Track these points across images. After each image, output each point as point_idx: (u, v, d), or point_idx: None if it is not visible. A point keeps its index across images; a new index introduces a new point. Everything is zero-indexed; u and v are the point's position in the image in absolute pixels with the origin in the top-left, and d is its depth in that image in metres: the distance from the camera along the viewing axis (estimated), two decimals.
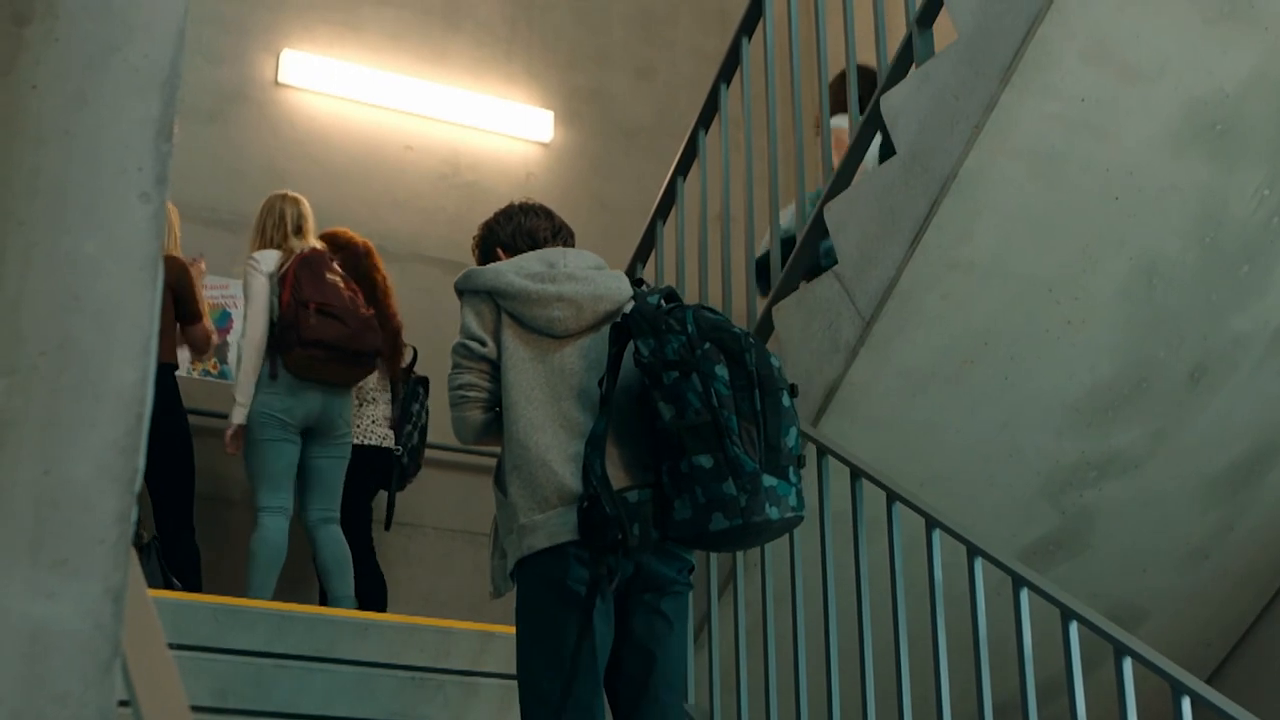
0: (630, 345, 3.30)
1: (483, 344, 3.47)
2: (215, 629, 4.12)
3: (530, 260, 3.57)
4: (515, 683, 3.44)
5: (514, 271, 3.51)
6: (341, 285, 5.64)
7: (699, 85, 5.56)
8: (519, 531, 3.26)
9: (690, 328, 3.26)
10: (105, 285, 1.74)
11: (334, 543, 5.48)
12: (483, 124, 7.53)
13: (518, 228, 3.73)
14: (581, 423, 3.29)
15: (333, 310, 5.48)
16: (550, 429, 3.30)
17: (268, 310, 5.49)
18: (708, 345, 3.22)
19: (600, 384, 3.31)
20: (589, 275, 3.52)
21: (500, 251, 3.71)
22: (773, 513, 3.14)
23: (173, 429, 5.50)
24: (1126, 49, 3.89)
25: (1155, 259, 4.25)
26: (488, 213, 3.81)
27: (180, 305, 5.72)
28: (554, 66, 7.90)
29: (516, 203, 3.82)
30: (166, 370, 5.51)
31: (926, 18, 4.35)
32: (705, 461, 3.12)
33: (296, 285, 5.29)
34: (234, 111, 7.08)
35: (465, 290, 3.57)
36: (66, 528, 1.65)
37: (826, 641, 3.82)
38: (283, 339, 5.44)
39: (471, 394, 3.44)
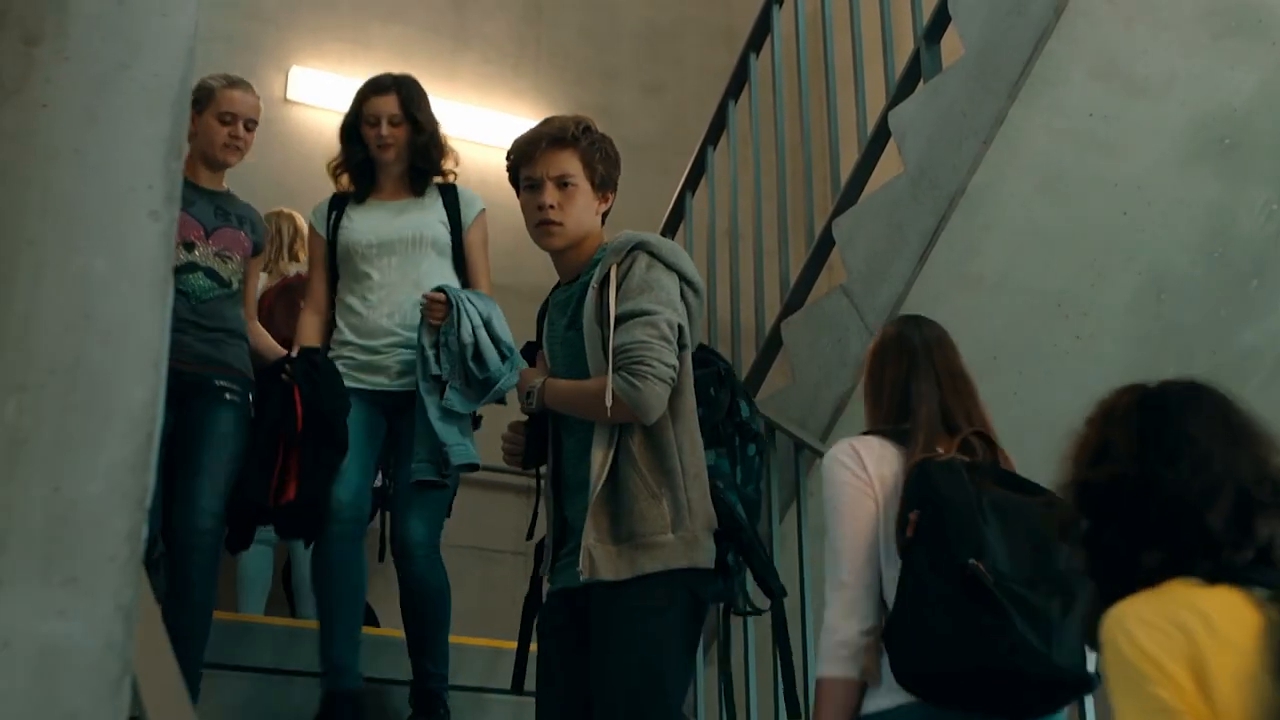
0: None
1: (683, 334, 3.13)
2: (225, 645, 4.11)
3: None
4: (526, 700, 3.41)
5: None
6: None
7: (707, 102, 5.56)
8: (690, 542, 3.05)
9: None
10: (115, 303, 1.75)
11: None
12: (491, 140, 7.51)
13: None
14: None
15: None
16: None
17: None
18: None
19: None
20: None
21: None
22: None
23: None
24: (1134, 64, 3.89)
25: (1164, 274, 4.24)
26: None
27: None
28: (562, 83, 7.91)
29: None
30: None
31: (934, 33, 4.35)
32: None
33: (271, 318, 5.14)
34: None
35: (674, 267, 3.17)
36: (77, 545, 1.65)
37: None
38: None
39: (670, 378, 3.04)
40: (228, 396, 3.96)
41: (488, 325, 4.03)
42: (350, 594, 4.01)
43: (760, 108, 5.13)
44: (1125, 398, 2.09)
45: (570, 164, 3.22)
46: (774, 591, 3.28)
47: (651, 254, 3.13)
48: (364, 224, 4.26)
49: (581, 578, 2.98)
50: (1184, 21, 3.87)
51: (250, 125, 4.17)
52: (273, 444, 3.92)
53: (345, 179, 4.37)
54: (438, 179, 4.35)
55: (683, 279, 3.16)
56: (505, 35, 7.87)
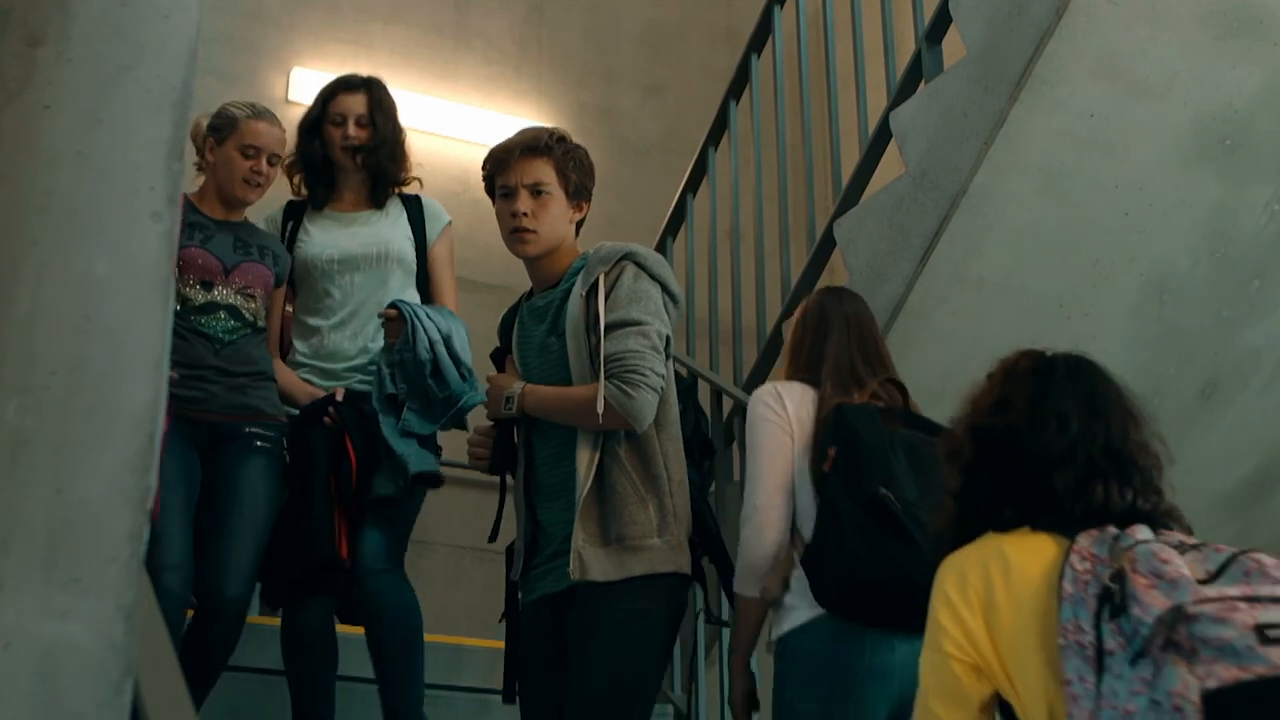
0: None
1: (669, 344, 3.17)
2: None
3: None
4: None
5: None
6: None
7: (708, 103, 5.57)
8: (675, 548, 3.08)
9: None
10: (117, 305, 1.75)
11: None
12: (493, 141, 7.52)
13: None
14: None
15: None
16: None
17: None
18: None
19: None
20: None
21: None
22: None
23: None
24: (1135, 65, 3.89)
25: (1166, 274, 4.24)
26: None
27: None
28: (564, 84, 7.91)
29: None
30: None
31: (936, 34, 4.36)
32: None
33: None
34: None
35: (658, 279, 3.19)
36: (79, 546, 1.65)
37: None
38: None
39: (660, 387, 3.08)
40: (259, 444, 3.72)
41: (447, 342, 3.79)
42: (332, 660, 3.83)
43: (762, 108, 5.14)
44: (1024, 361, 2.35)
45: (544, 172, 3.25)
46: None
47: (639, 265, 3.16)
48: (324, 238, 4.01)
49: (573, 577, 2.98)
50: (1185, 22, 3.87)
51: (274, 160, 3.93)
52: (328, 495, 3.69)
53: (299, 179, 4.12)
54: (400, 189, 4.13)
55: (665, 291, 3.18)
56: (507, 36, 7.88)
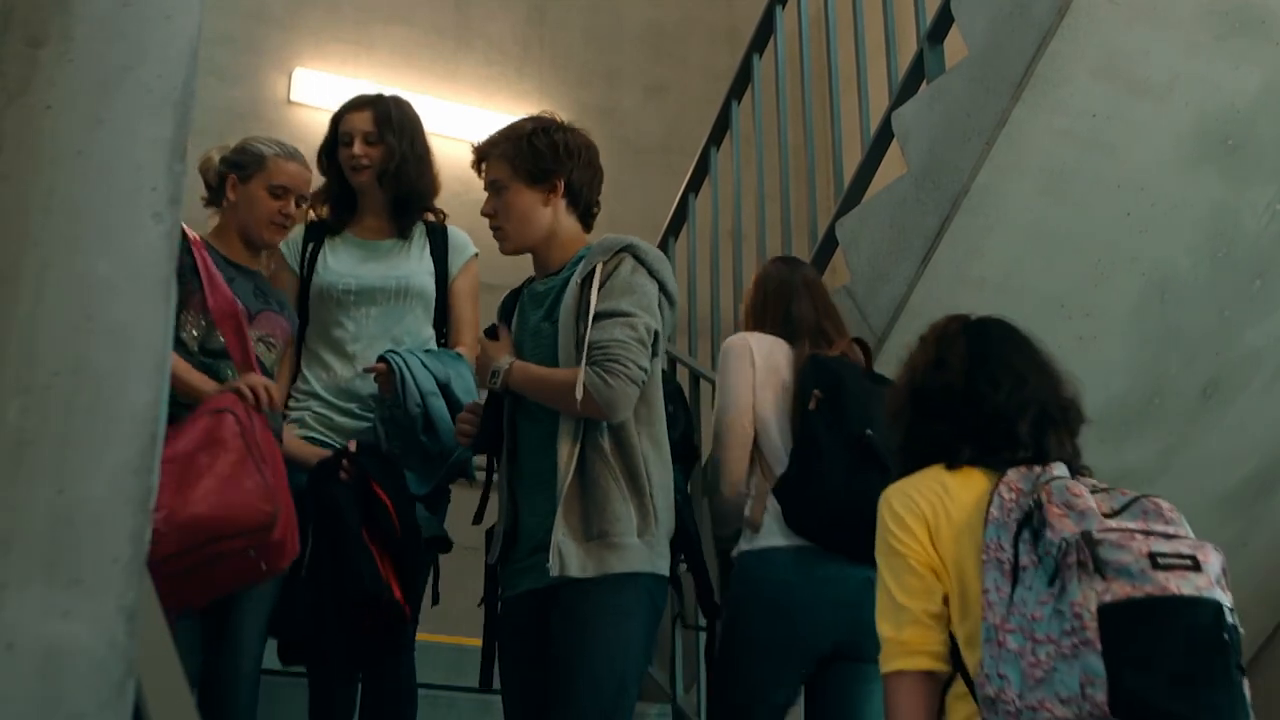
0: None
1: (657, 342, 3.18)
2: None
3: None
4: None
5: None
6: None
7: (710, 103, 5.57)
8: (653, 549, 3.09)
9: None
10: (119, 305, 1.75)
11: None
12: None
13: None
14: None
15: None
16: None
17: None
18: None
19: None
20: None
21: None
22: None
23: None
24: (1137, 65, 3.89)
25: (1167, 274, 4.24)
26: None
27: None
28: (565, 84, 7.91)
29: None
30: None
31: (937, 34, 4.36)
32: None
33: None
34: (247, 130, 7.04)
35: (656, 275, 3.21)
36: (81, 547, 1.65)
37: None
38: None
39: (641, 380, 3.09)
40: None
41: (445, 389, 3.57)
42: None
43: (763, 108, 5.14)
44: (953, 325, 2.69)
45: (496, 169, 3.30)
46: (713, 610, 3.39)
47: (638, 258, 3.18)
48: (343, 266, 3.79)
49: (551, 573, 2.99)
50: (1187, 22, 3.87)
51: (301, 201, 3.69)
52: (364, 545, 3.36)
53: (325, 210, 3.89)
54: (429, 217, 3.91)
55: (662, 289, 3.20)
56: (508, 36, 7.88)
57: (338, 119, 3.89)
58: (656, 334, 3.15)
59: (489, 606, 3.32)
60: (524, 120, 3.38)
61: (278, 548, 3.05)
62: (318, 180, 3.86)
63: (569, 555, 3.00)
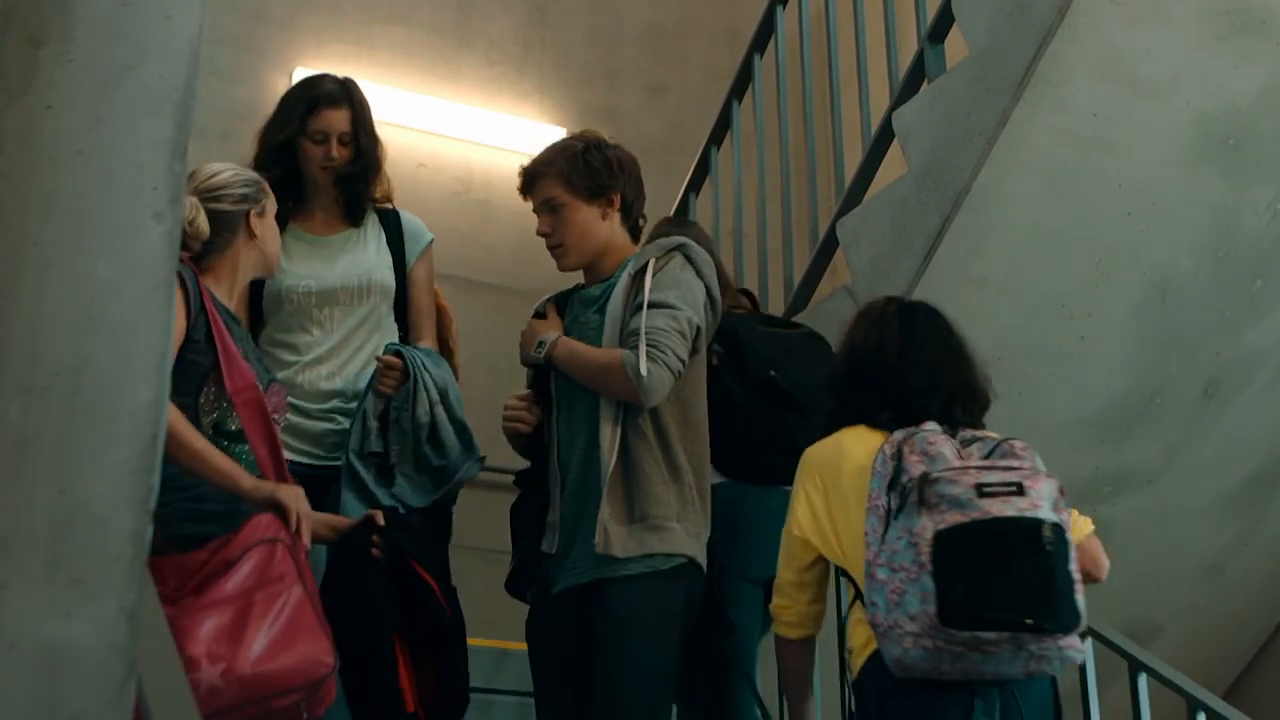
0: None
1: (699, 338, 3.24)
2: None
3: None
4: (529, 700, 3.41)
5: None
6: None
7: (711, 102, 5.56)
8: (693, 535, 3.15)
9: None
10: (120, 305, 1.75)
11: None
12: (495, 141, 7.52)
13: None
14: None
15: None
16: None
17: None
18: None
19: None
20: None
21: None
22: None
23: None
24: (1138, 64, 3.89)
25: (1168, 274, 4.24)
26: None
27: None
28: (566, 84, 7.90)
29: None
30: None
31: (938, 33, 4.35)
32: None
33: None
34: (247, 131, 6.98)
35: (704, 278, 3.27)
36: (82, 547, 1.65)
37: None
38: None
39: (678, 370, 3.15)
40: None
41: (444, 398, 3.40)
42: None
43: (764, 108, 5.13)
44: (889, 307, 3.05)
45: (551, 189, 3.34)
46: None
47: (689, 258, 3.26)
48: (300, 267, 3.56)
49: (597, 550, 3.04)
50: (1188, 21, 3.87)
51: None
52: (392, 645, 3.04)
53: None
54: (381, 204, 3.71)
55: (708, 292, 3.27)
56: (509, 36, 7.87)
57: (308, 111, 3.61)
58: (699, 331, 3.21)
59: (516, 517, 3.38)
60: (571, 139, 3.44)
61: (325, 697, 2.90)
62: (246, 158, 3.60)
63: (614, 535, 3.06)
